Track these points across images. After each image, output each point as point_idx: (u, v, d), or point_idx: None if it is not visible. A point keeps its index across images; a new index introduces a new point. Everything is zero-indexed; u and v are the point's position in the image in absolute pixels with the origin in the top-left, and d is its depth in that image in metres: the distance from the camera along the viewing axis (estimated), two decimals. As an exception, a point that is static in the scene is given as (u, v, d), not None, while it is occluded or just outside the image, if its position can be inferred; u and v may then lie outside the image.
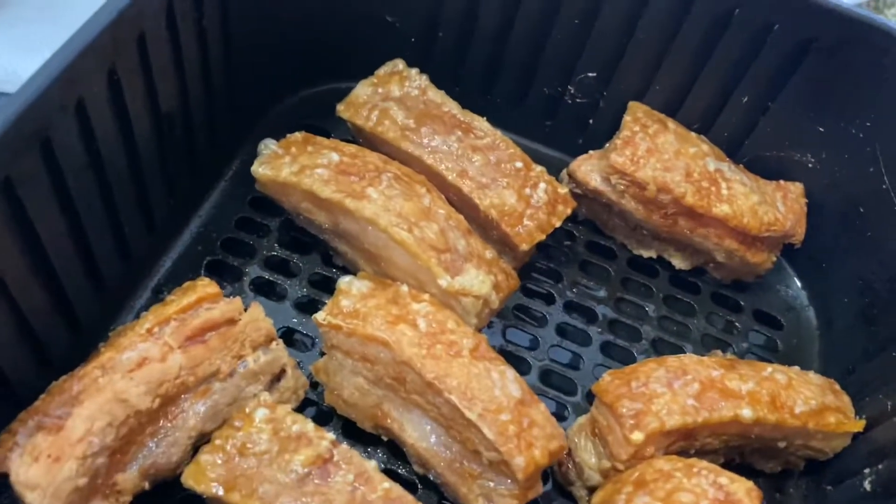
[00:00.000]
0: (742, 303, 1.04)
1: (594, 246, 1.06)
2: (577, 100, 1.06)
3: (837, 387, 0.89)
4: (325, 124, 1.05)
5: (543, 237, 0.93)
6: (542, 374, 0.94)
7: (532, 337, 0.97)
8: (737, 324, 1.02)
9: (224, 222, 0.98)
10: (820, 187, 1.01)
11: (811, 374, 0.88)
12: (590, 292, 1.02)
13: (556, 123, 1.09)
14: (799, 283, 1.07)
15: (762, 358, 1.00)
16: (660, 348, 0.99)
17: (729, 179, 0.96)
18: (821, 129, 0.97)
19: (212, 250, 0.96)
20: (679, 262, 1.03)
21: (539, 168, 0.95)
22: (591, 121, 1.07)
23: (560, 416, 0.92)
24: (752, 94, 0.98)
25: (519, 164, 0.94)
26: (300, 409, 0.86)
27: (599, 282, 1.03)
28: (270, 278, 0.96)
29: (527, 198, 0.93)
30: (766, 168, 1.02)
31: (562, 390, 0.94)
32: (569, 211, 0.95)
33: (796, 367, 0.89)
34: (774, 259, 1.01)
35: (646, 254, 1.04)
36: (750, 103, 0.99)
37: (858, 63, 0.90)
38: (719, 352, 0.97)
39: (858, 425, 0.85)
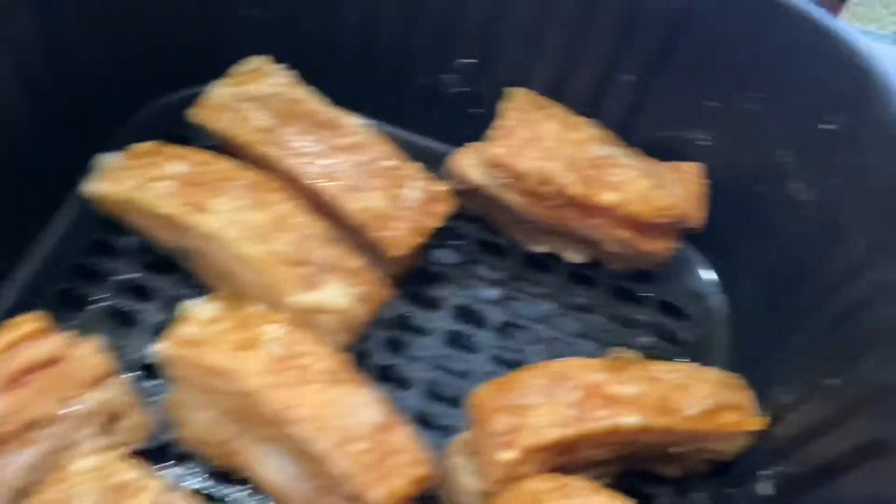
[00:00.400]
0: (646, 295, 0.98)
1: (484, 244, 0.99)
2: (458, 88, 0.99)
3: (738, 381, 0.82)
4: (188, 132, 0.97)
5: (421, 240, 0.86)
6: (428, 389, 0.88)
7: (418, 347, 0.90)
8: (640, 317, 0.96)
9: (75, 246, 0.90)
10: (720, 167, 0.94)
11: (708, 371, 0.82)
12: (480, 294, 0.95)
13: (439, 114, 1.02)
14: (706, 270, 1.00)
15: (669, 352, 0.94)
16: (557, 350, 0.92)
17: (618, 164, 0.90)
18: (710, 104, 0.91)
19: (61, 278, 0.88)
20: (574, 256, 0.97)
21: (414, 166, 0.88)
22: (475, 110, 1.00)
23: (449, 431, 0.86)
24: (635, 71, 0.91)
25: (390, 163, 0.87)
26: (162, 450, 0.79)
27: (491, 283, 0.96)
28: (127, 305, 0.88)
29: (398, 199, 0.86)
30: (663, 150, 0.96)
31: (451, 404, 0.87)
32: (448, 210, 0.88)
33: (694, 364, 0.83)
34: (673, 246, 0.94)
35: (538, 249, 0.97)
36: (635, 82, 0.92)
37: (740, 33, 0.84)
38: (623, 349, 0.90)
39: (759, 423, 0.79)
